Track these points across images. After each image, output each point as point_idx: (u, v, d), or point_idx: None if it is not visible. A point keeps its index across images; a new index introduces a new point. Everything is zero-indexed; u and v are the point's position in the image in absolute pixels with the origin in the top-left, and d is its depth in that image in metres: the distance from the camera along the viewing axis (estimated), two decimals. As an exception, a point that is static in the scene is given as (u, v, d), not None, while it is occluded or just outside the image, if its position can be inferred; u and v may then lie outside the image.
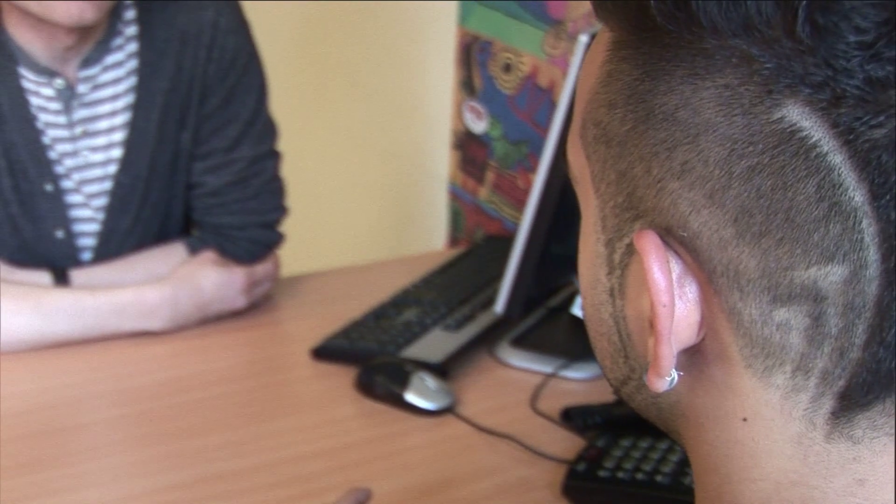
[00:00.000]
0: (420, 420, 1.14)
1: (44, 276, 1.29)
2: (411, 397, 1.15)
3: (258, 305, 1.39)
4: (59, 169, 1.29)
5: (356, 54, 2.38)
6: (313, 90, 2.42)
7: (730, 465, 0.44)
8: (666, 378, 0.43)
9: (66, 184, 1.30)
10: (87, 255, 1.35)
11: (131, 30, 1.29)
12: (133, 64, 1.29)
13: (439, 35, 2.21)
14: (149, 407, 1.16)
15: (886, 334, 0.40)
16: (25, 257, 1.31)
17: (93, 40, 1.26)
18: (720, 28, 0.38)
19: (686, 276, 0.42)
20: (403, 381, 1.16)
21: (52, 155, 1.28)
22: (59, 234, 1.32)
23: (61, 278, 1.29)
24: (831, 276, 0.39)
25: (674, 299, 0.42)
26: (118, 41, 1.28)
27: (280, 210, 1.42)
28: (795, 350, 0.41)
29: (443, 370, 1.22)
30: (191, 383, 1.21)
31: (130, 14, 1.29)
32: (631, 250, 0.44)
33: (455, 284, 1.43)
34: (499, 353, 1.29)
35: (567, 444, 1.09)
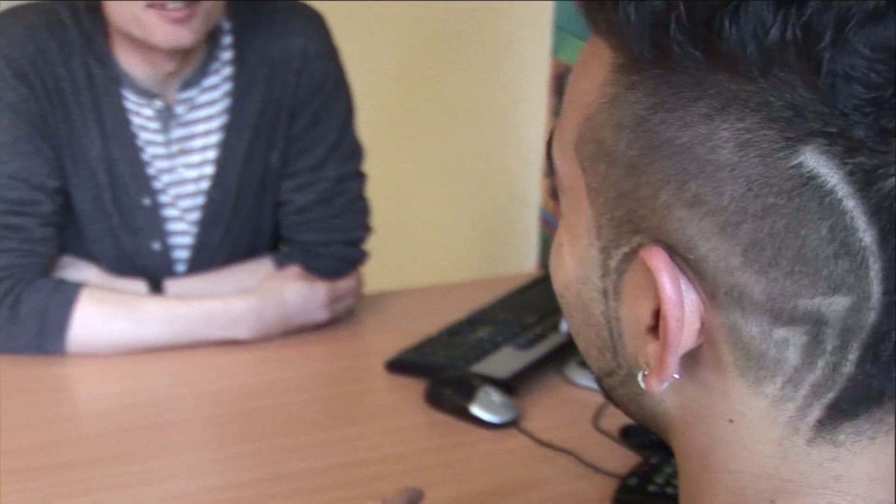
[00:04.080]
0: (484, 432, 1.18)
1: (140, 285, 1.37)
2: (476, 410, 1.19)
3: (340, 320, 1.45)
4: (157, 184, 1.37)
5: (453, 84, 2.44)
6: (411, 117, 2.49)
7: (711, 457, 0.47)
8: (666, 382, 0.46)
9: (163, 198, 1.38)
10: (181, 267, 1.43)
11: (227, 55, 1.37)
12: (228, 87, 1.38)
13: (533, 65, 2.26)
14: (228, 410, 1.23)
15: (880, 353, 0.42)
16: (125, 267, 1.39)
17: (192, 65, 1.35)
18: (741, 69, 0.40)
19: (688, 289, 0.44)
20: (470, 394, 1.20)
21: (151, 171, 1.37)
22: (156, 246, 1.40)
23: (156, 287, 1.38)
24: (835, 305, 0.42)
25: (685, 314, 0.44)
26: (215, 66, 1.37)
27: (364, 229, 1.48)
28: (790, 365, 0.44)
29: (509, 386, 1.25)
30: (270, 389, 1.27)
31: (227, 40, 1.38)
32: (629, 258, 0.46)
33: (529, 306, 1.47)
34: (566, 372, 1.32)
35: (624, 460, 1.11)
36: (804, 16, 0.39)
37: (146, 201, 1.38)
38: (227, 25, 1.38)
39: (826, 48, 0.38)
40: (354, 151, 1.46)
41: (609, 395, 0.52)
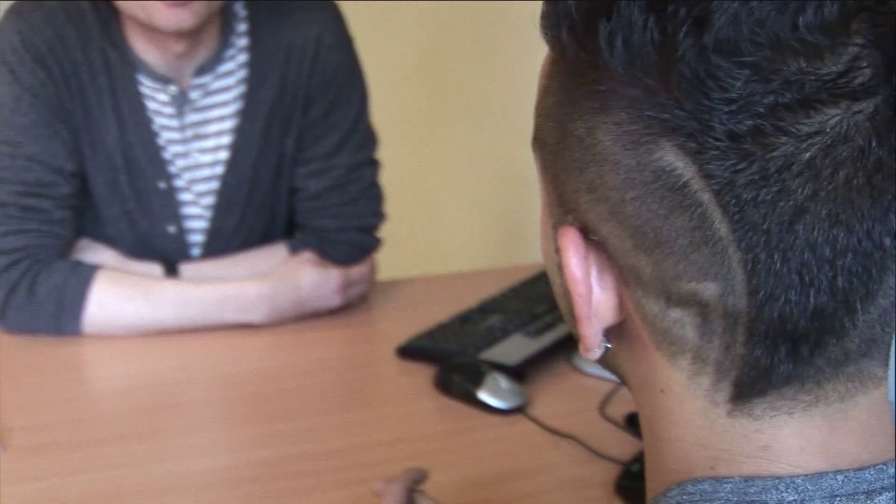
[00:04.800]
0: (491, 418, 1.19)
1: (155, 268, 1.39)
2: (484, 396, 1.20)
3: (353, 306, 1.47)
4: (172, 168, 1.40)
5: (471, 79, 2.46)
6: (430, 109, 2.51)
7: (656, 426, 0.50)
8: (595, 350, 0.50)
9: (178, 182, 1.40)
10: (196, 251, 1.45)
11: (242, 42, 1.39)
12: (243, 74, 1.39)
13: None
14: (240, 392, 1.25)
15: (758, 339, 0.45)
16: (141, 250, 1.41)
17: (206, 50, 1.37)
18: (614, 72, 0.44)
19: (605, 267, 0.48)
20: (478, 380, 1.22)
21: (166, 155, 1.39)
22: (172, 229, 1.42)
23: (171, 271, 1.40)
24: (708, 290, 0.45)
25: (590, 289, 0.48)
26: (230, 52, 1.39)
27: (377, 216, 1.50)
28: (692, 342, 0.47)
29: (518, 373, 1.27)
30: (282, 373, 1.29)
31: (242, 27, 1.39)
32: None
33: (540, 295, 1.48)
34: (575, 360, 1.33)
35: (628, 447, 1.12)
36: (662, 21, 0.42)
37: (161, 185, 1.40)
38: (242, 13, 1.39)
39: (681, 54, 0.42)
40: (368, 139, 1.48)
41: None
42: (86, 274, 1.32)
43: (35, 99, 1.32)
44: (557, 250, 0.50)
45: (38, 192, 1.33)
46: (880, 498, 0.46)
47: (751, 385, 0.46)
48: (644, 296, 0.47)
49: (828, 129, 0.42)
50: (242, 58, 1.39)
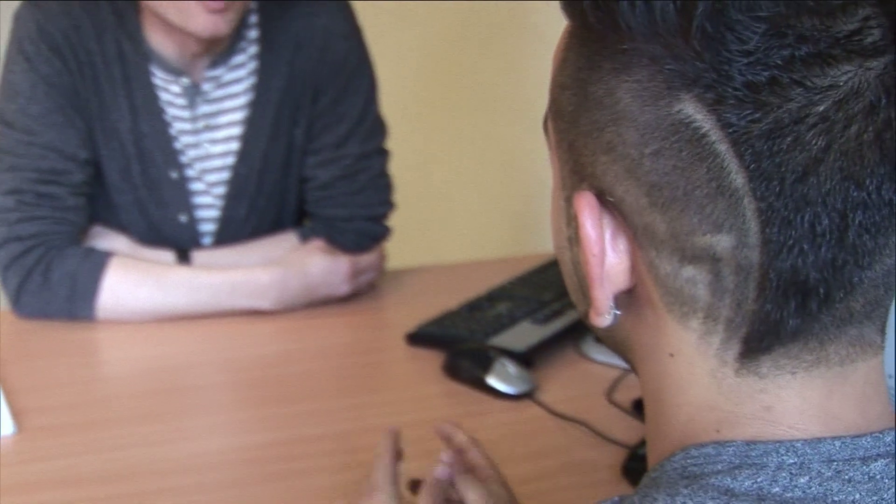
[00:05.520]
0: (500, 403, 1.20)
1: (168, 255, 1.41)
2: (492, 381, 1.22)
3: (362, 293, 1.48)
4: (183, 158, 1.41)
5: (483, 70, 2.48)
6: (442, 100, 2.52)
7: (663, 393, 0.52)
8: (605, 315, 0.51)
9: (189, 172, 1.42)
10: (207, 240, 1.47)
11: (253, 34, 1.41)
12: (253, 65, 1.41)
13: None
14: (251, 376, 1.26)
15: (770, 292, 0.47)
16: (153, 238, 1.43)
17: (220, 46, 1.39)
18: (635, 32, 0.46)
19: (618, 231, 0.50)
20: (486, 365, 1.23)
21: (177, 145, 1.40)
22: (183, 218, 1.44)
23: (183, 258, 1.41)
24: (722, 242, 0.46)
25: (604, 250, 0.49)
26: (242, 44, 1.40)
27: (386, 205, 1.51)
28: (703, 301, 0.48)
29: (526, 359, 1.28)
30: (291, 358, 1.31)
31: (253, 19, 1.41)
32: None
33: (549, 283, 1.49)
34: (583, 347, 1.34)
35: (635, 432, 1.13)
36: None
37: (173, 174, 1.41)
38: (253, 5, 1.41)
39: (700, 11, 0.44)
40: (377, 128, 1.49)
41: (599, 337, 0.57)
42: (99, 260, 1.34)
43: (50, 88, 1.34)
44: (572, 220, 0.51)
45: (53, 179, 1.35)
46: (876, 464, 0.47)
47: (759, 341, 0.48)
48: (658, 255, 0.48)
49: (841, 84, 0.44)
50: (253, 49, 1.41)
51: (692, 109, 0.45)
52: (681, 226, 0.47)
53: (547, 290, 1.46)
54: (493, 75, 2.51)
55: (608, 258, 0.50)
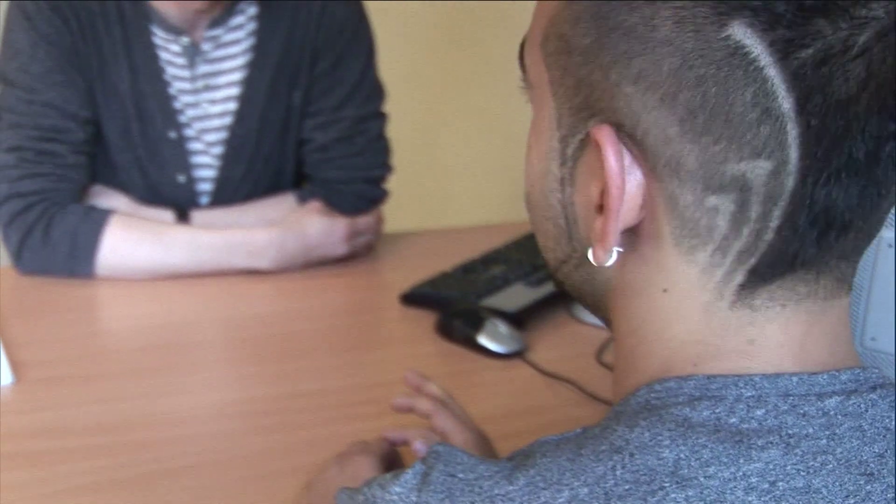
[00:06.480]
0: (491, 362, 1.22)
1: (167, 214, 1.43)
2: (484, 340, 1.24)
3: (359, 256, 1.50)
4: (182, 118, 1.43)
5: (487, 39, 2.48)
6: (446, 69, 2.53)
7: (646, 329, 0.53)
8: (610, 252, 0.52)
9: (188, 132, 1.44)
10: (205, 200, 1.48)
11: (252, -5, 1.42)
12: (252, 26, 1.42)
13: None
14: (249, 334, 1.28)
15: (797, 220, 0.48)
16: (152, 198, 1.45)
17: (222, 5, 1.40)
18: None
19: (633, 165, 0.50)
20: (478, 325, 1.25)
21: (177, 105, 1.42)
22: (181, 178, 1.45)
23: (183, 217, 1.43)
24: (758, 169, 0.47)
25: (625, 183, 0.50)
26: (241, 6, 1.42)
27: (384, 168, 1.53)
28: (720, 231, 0.49)
29: (518, 319, 1.30)
30: (288, 316, 1.33)
31: (253, -20, 1.42)
32: (584, 144, 0.52)
33: (543, 246, 1.51)
34: (574, 310, 1.36)
35: (623, 390, 1.15)
36: None
37: (172, 134, 1.43)
38: (254, -34, 1.42)
39: None
40: (375, 92, 1.51)
41: (563, 285, 0.58)
42: (99, 218, 1.36)
43: (51, 47, 1.35)
44: (567, 160, 0.52)
45: (54, 137, 1.36)
46: (830, 401, 0.49)
47: (767, 269, 0.49)
48: (680, 185, 0.48)
49: (881, 16, 0.45)
50: (252, 11, 1.42)
51: (741, 34, 0.45)
52: (713, 154, 0.47)
53: (540, 253, 1.47)
54: (495, 44, 2.52)
55: (626, 191, 0.50)
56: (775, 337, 0.50)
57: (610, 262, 0.52)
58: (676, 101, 0.47)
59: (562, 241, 0.55)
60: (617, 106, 0.49)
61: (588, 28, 0.50)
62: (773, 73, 0.45)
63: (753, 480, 0.46)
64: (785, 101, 0.45)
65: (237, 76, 1.43)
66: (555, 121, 0.53)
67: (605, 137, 0.49)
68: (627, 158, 0.49)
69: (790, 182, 0.47)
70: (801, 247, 0.48)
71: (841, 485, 0.47)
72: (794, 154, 0.46)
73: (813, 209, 0.47)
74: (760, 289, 0.50)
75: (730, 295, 0.50)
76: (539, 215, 0.56)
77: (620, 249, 0.52)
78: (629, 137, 0.49)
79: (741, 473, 0.46)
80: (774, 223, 0.48)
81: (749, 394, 0.48)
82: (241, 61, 1.43)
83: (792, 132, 0.46)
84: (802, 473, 0.46)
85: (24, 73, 1.36)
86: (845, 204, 0.47)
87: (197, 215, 1.44)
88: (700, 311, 0.51)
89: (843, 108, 0.45)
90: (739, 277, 0.50)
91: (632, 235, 0.52)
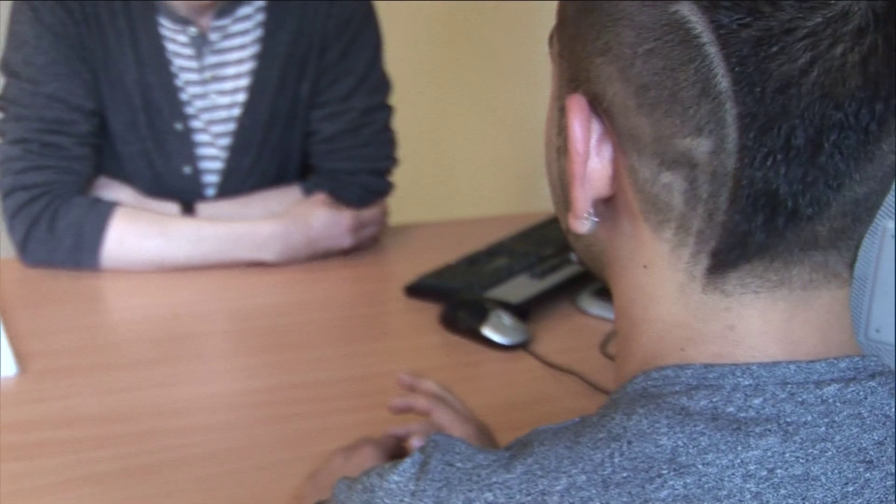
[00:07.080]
0: (495, 353, 1.23)
1: (172, 207, 1.43)
2: (487, 332, 1.24)
3: (364, 247, 1.50)
4: (189, 109, 1.43)
5: (494, 30, 2.48)
6: (453, 61, 2.54)
7: (634, 307, 0.53)
8: (583, 220, 0.53)
9: (195, 124, 1.44)
10: (211, 192, 1.49)
11: (259, -15, 1.42)
12: (260, 17, 1.42)
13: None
14: (253, 325, 1.28)
15: (741, 202, 0.48)
16: (158, 190, 1.45)
17: (227, -3, 1.40)
18: None
19: (604, 138, 0.51)
20: (482, 317, 1.25)
21: (184, 96, 1.42)
22: (187, 170, 1.46)
23: (188, 210, 1.43)
24: (701, 146, 0.47)
25: (588, 151, 0.51)
26: (250, -4, 1.42)
27: (390, 160, 1.53)
28: (677, 209, 0.49)
29: (522, 311, 1.30)
30: (293, 308, 1.33)
31: (260, -29, 1.42)
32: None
33: (547, 239, 1.51)
34: (579, 301, 1.36)
35: (627, 382, 1.15)
36: None
37: (178, 126, 1.43)
38: (260, -43, 1.42)
39: None
40: (382, 84, 1.51)
41: (576, 251, 0.59)
42: (104, 210, 1.36)
43: (56, 38, 1.35)
44: (563, 129, 0.53)
45: (58, 129, 1.37)
46: (829, 388, 0.49)
47: (727, 254, 0.49)
48: (639, 159, 0.49)
49: (832, 2, 0.45)
50: (260, 2, 1.42)
51: (688, 10, 0.46)
52: (664, 128, 0.48)
53: (546, 245, 1.48)
54: (501, 35, 2.52)
55: (591, 161, 0.51)
56: (755, 324, 0.50)
57: (585, 231, 0.53)
58: (633, 72, 0.48)
59: (562, 210, 0.56)
60: (590, 76, 0.50)
61: (575, 2, 0.51)
62: (713, 50, 0.46)
63: (752, 468, 0.46)
64: (723, 80, 0.46)
65: (246, 67, 1.43)
66: (556, 91, 0.55)
67: (573, 105, 0.51)
68: (599, 131, 0.51)
69: (731, 162, 0.47)
70: (751, 231, 0.48)
71: (840, 472, 0.47)
72: (732, 133, 0.47)
73: (753, 191, 0.47)
74: (729, 274, 0.50)
75: (700, 277, 0.50)
76: (550, 184, 0.58)
77: (596, 219, 0.53)
78: (602, 109, 0.50)
79: (739, 461, 0.46)
80: (724, 204, 0.48)
81: (746, 382, 0.49)
82: (249, 52, 1.43)
83: (731, 111, 0.46)
84: (801, 461, 0.46)
85: (29, 65, 1.36)
86: (787, 189, 0.47)
87: (203, 208, 1.44)
88: (677, 292, 0.51)
89: (781, 90, 0.45)
90: (705, 260, 0.50)
91: (609, 209, 0.53)
